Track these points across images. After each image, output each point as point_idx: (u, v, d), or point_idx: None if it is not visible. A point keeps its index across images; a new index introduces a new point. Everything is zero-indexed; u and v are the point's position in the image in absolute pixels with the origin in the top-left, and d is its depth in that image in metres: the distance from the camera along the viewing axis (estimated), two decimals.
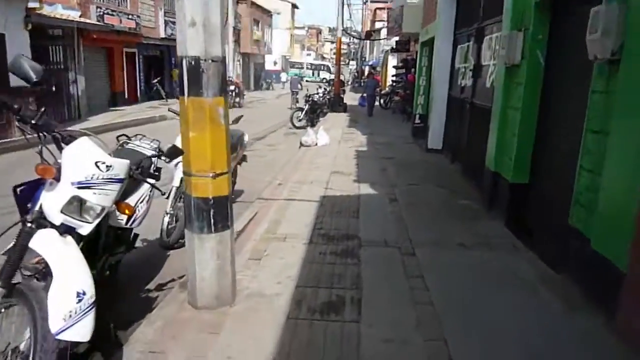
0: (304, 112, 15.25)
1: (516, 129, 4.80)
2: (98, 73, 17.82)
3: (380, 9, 36.38)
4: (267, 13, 41.43)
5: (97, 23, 15.54)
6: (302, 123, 15.04)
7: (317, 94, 17.46)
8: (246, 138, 5.72)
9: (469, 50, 8.09)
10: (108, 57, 18.42)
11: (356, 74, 46.74)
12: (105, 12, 16.47)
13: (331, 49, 72.52)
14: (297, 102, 19.51)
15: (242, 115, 4.93)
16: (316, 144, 10.55)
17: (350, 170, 7.78)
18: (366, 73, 37.06)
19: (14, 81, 10.70)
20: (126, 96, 19.61)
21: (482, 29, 7.21)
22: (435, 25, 9.84)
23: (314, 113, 15.89)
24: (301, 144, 10.67)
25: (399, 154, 9.58)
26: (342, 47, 23.40)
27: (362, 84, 31.34)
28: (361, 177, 7.29)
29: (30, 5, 11.41)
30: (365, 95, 18.70)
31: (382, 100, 21.91)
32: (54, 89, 12.81)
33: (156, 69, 22.62)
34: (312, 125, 15.24)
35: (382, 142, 11.30)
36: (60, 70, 14.16)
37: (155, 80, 21.83)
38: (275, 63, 48.57)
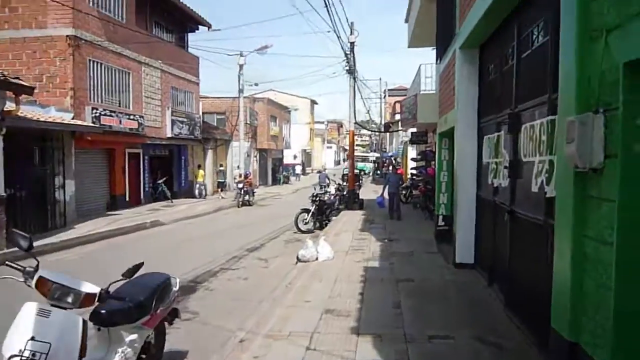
0: (310, 214, 13.33)
1: (610, 277, 2.73)
2: (95, 176, 16.77)
3: (399, 102, 35.95)
4: (285, 109, 41.51)
5: (90, 125, 14.56)
6: (308, 226, 13.13)
7: (327, 192, 15.74)
8: (175, 286, 3.78)
9: (499, 142, 6.29)
10: (109, 158, 17.47)
11: (376, 165, 45.61)
12: (103, 113, 15.63)
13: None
14: None
15: (142, 263, 3.05)
16: (316, 259, 8.53)
17: (349, 307, 5.66)
18: (386, 164, 35.72)
19: None
20: (127, 199, 18.35)
21: (517, 114, 5.43)
22: (454, 114, 8.16)
23: (322, 214, 13.97)
24: (298, 259, 8.68)
25: (420, 274, 7.43)
26: (364, 139, 22.28)
27: (383, 176, 29.66)
28: (363, 321, 5.15)
29: (7, 107, 10.44)
30: (384, 194, 15.03)
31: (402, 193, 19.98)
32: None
33: (164, 169, 21.61)
34: (321, 228, 13.37)
35: (400, 252, 9.21)
36: (44, 175, 12.95)
37: (161, 181, 20.70)
38: (295, 157, 48.33)
